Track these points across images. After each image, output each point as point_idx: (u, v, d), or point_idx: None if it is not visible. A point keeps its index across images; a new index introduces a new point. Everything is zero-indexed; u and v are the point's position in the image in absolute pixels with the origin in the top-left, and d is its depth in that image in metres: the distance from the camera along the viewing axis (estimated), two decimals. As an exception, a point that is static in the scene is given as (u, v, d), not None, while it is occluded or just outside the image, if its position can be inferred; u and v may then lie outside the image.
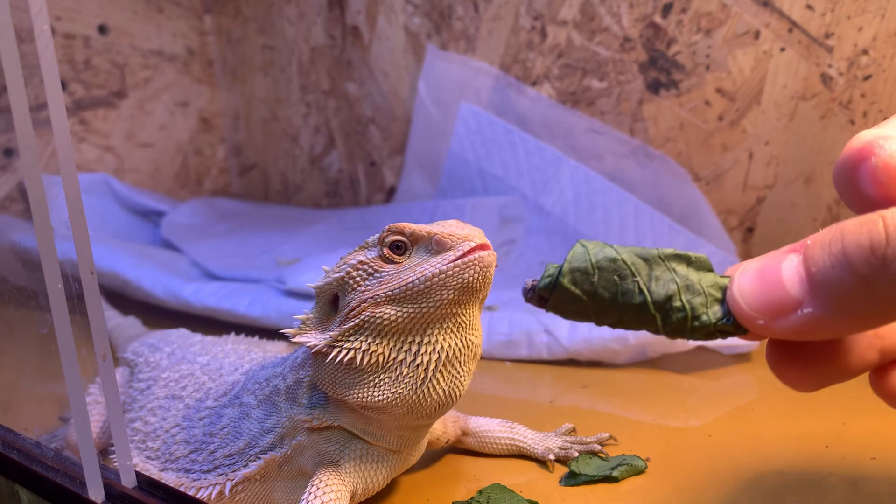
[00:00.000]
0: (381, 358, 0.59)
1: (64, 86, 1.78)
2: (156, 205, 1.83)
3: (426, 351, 0.59)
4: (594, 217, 1.47)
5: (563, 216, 1.52)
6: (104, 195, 1.78)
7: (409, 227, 0.60)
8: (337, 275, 0.61)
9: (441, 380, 0.60)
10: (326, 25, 1.86)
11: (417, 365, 0.59)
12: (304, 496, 0.61)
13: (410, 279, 0.58)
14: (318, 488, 0.61)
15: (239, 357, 0.80)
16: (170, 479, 0.68)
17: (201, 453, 0.68)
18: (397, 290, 0.58)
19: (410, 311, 0.58)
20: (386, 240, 0.60)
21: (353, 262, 0.61)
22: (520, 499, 0.67)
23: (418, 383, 0.59)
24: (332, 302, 0.63)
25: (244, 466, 0.66)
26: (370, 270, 0.60)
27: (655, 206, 1.41)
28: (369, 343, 0.59)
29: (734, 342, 1.03)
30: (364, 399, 0.60)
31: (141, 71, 1.94)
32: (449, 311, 0.59)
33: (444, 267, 0.58)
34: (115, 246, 1.45)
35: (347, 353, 0.59)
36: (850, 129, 1.29)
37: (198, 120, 2.09)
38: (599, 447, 0.77)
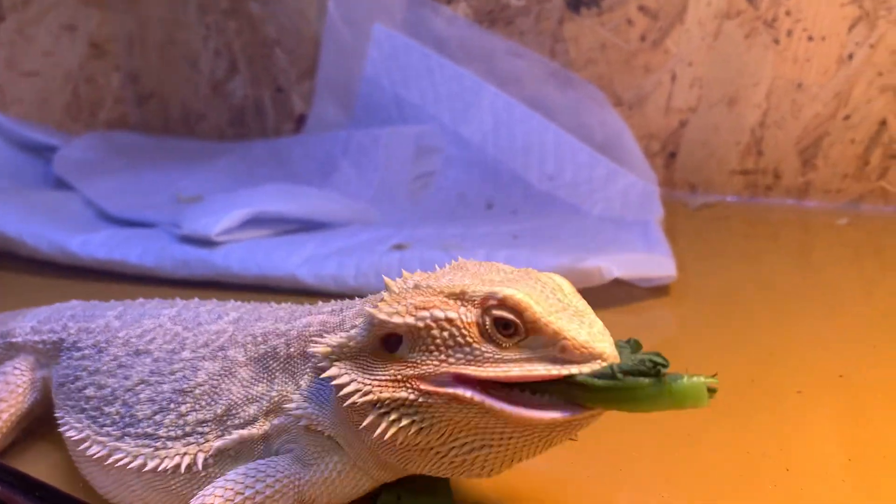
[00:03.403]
0: (426, 446, 0.48)
1: (-75, 7, 1.60)
2: (46, 139, 1.71)
3: (477, 461, 0.49)
4: (514, 147, 1.42)
5: (482, 146, 1.46)
6: (-15, 130, 1.63)
7: (532, 311, 0.46)
8: (412, 321, 0.48)
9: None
10: (224, -62, 1.72)
11: (459, 465, 0.49)
12: (239, 471, 0.53)
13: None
14: (261, 474, 0.52)
15: (217, 304, 0.68)
16: (128, 448, 0.58)
17: (168, 415, 0.58)
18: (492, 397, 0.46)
19: (493, 423, 0.47)
20: (493, 310, 0.47)
21: (440, 315, 0.47)
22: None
23: (454, 472, 0.50)
24: (385, 338, 0.50)
25: (218, 438, 0.56)
26: (461, 340, 0.47)
27: (577, 135, 1.36)
28: (421, 428, 0.47)
29: (652, 274, 0.99)
30: (389, 456, 0.50)
31: (18, -9, 1.77)
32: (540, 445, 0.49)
33: (566, 415, 0.46)
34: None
35: (390, 428, 0.48)
36: (775, 49, 1.25)
37: (88, 45, 1.94)
38: None
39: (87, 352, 0.66)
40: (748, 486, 0.61)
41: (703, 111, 1.34)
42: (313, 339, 0.55)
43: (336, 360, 0.50)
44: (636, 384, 0.44)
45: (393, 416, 0.48)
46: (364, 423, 0.48)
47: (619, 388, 0.44)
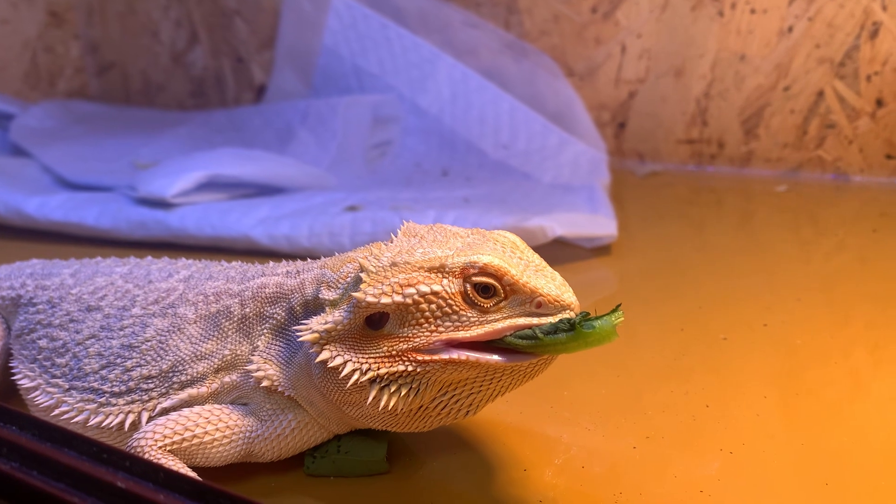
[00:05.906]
0: (419, 407, 0.52)
1: None
2: (3, 107, 1.68)
3: (461, 407, 0.53)
4: (470, 116, 1.44)
5: (439, 116, 1.48)
6: (-60, 97, 1.62)
7: (510, 275, 0.49)
8: (399, 299, 0.50)
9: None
10: None
11: (443, 416, 0.53)
12: (195, 409, 0.54)
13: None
14: (215, 418, 0.54)
15: (169, 262, 0.68)
16: (73, 401, 0.59)
17: (114, 369, 0.58)
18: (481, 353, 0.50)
19: (480, 374, 0.50)
20: (473, 277, 0.50)
21: (426, 289, 0.50)
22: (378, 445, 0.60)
23: (432, 424, 0.54)
24: (368, 317, 0.51)
25: (163, 397, 0.57)
26: (447, 309, 0.50)
27: (530, 104, 1.38)
28: (418, 392, 0.50)
29: (594, 233, 1.03)
30: (366, 420, 0.54)
31: (-28, -44, 1.74)
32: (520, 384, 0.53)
33: (532, 359, 0.50)
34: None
35: (391, 399, 0.50)
36: (719, 22, 1.28)
37: (46, 13, 1.91)
38: None
39: (41, 307, 0.67)
40: (669, 420, 0.64)
41: (651, 82, 1.37)
42: (269, 300, 0.57)
43: (325, 344, 0.51)
44: (555, 340, 0.48)
45: (393, 388, 0.50)
46: (369, 399, 0.50)
47: (544, 344, 0.48)
